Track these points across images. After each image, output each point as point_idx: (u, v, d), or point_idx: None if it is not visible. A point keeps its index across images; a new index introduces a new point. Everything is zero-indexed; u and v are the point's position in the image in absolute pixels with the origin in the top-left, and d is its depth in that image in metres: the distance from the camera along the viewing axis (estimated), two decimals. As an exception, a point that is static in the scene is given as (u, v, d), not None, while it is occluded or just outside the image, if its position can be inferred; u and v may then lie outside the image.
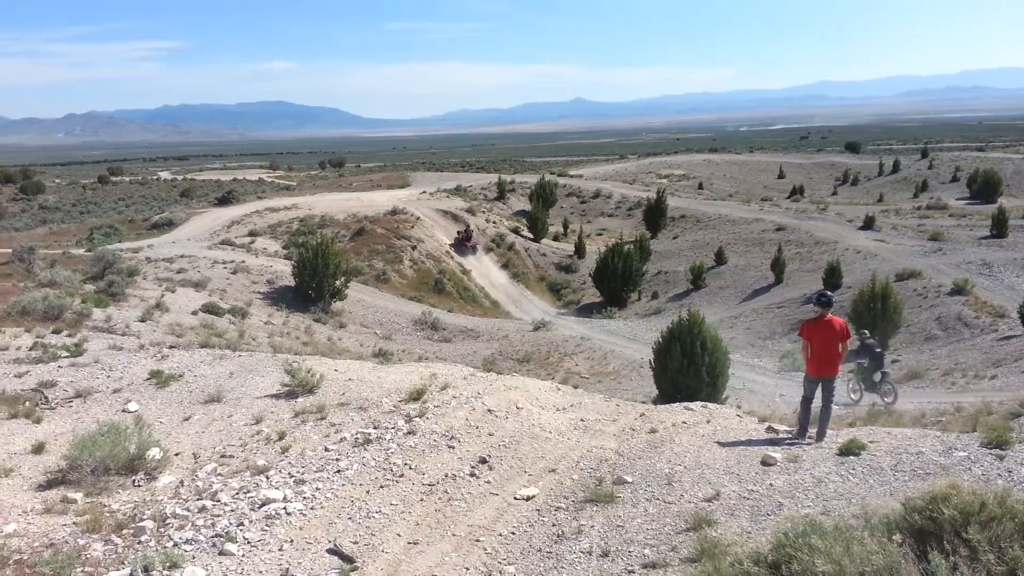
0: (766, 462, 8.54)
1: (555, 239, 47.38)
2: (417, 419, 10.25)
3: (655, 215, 46.98)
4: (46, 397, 11.62)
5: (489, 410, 10.64)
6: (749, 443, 9.35)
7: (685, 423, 10.32)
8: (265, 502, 7.91)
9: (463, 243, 41.84)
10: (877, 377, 18.05)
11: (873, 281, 23.60)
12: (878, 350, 18.65)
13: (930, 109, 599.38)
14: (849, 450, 8.62)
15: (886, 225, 39.89)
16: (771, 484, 7.91)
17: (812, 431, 9.48)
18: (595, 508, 7.82)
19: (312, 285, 27.21)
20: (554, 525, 7.63)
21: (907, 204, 54.95)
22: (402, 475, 8.72)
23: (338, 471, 8.75)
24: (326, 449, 9.46)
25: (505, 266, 42.29)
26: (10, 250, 27.02)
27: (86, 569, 6.73)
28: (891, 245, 34.33)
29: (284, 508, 7.78)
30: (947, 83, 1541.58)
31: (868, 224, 38.97)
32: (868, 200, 58.67)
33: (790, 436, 9.59)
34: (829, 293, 9.97)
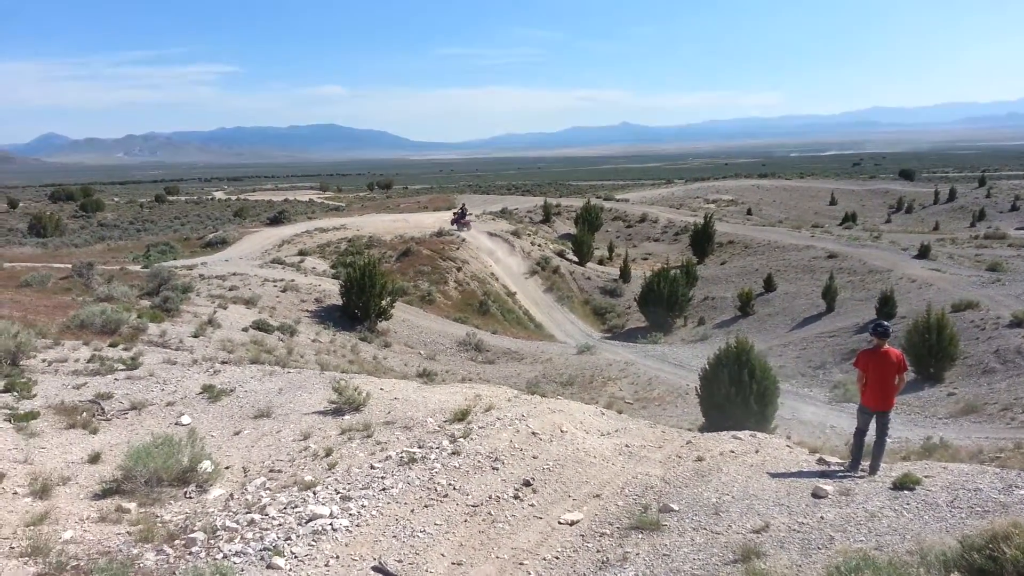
0: (817, 494, 8.35)
1: (600, 263, 47.25)
2: (461, 440, 10.28)
3: (702, 240, 46.56)
4: (103, 408, 11.93)
5: (533, 433, 10.62)
6: (799, 474, 9.16)
7: (733, 452, 10.15)
8: (312, 517, 8.00)
9: (459, 220, 47.61)
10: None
11: (928, 311, 22.99)
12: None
13: (988, 136, 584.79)
14: (903, 484, 8.39)
15: (942, 254, 38.91)
16: (822, 517, 7.73)
17: (865, 464, 9.25)
18: (640, 536, 7.72)
19: (359, 304, 27.55)
20: (598, 551, 7.56)
21: (964, 233, 53.53)
22: (446, 495, 8.74)
23: (383, 489, 8.81)
24: (372, 467, 9.54)
25: (550, 289, 42.31)
26: (70, 265, 27.94)
27: (138, 578, 6.87)
28: (947, 275, 33.44)
29: (330, 524, 7.86)
30: (1006, 110, 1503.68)
31: (923, 253, 38.05)
32: (923, 228, 57.35)
33: (842, 468, 9.37)
34: (886, 323, 9.76)
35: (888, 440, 9.74)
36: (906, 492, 8.23)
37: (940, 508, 7.68)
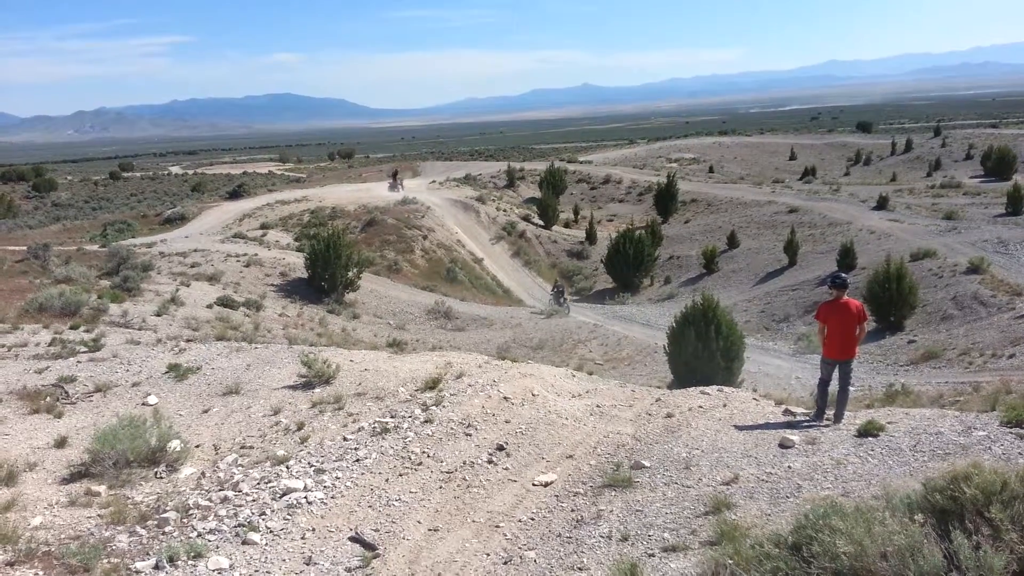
0: (784, 445, 8.53)
1: (566, 226, 47.30)
2: (434, 408, 10.30)
3: (666, 200, 46.76)
4: (66, 392, 11.73)
5: (505, 397, 10.68)
6: (766, 426, 9.35)
7: (701, 407, 10.32)
8: (286, 492, 7.99)
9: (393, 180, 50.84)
10: (560, 301, 31.60)
11: (888, 262, 23.45)
12: (560, 289, 33.40)
13: (942, 87, 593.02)
14: (867, 431, 8.60)
15: (900, 205, 39.58)
16: (789, 467, 7.90)
17: (830, 413, 9.47)
18: (613, 493, 7.85)
19: (325, 277, 27.30)
20: (573, 510, 7.67)
21: (921, 183, 54.41)
22: (420, 463, 8.77)
23: (357, 460, 8.82)
24: (344, 439, 9.53)
25: (516, 254, 42.30)
26: (25, 247, 27.24)
27: (112, 560, 6.82)
28: (905, 225, 34.07)
29: (305, 497, 7.86)
30: (958, 60, 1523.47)
31: (881, 204, 38.67)
32: (881, 180, 58.15)
33: (808, 419, 9.57)
34: (844, 275, 9.93)
35: (851, 388, 9.98)
36: (870, 439, 8.44)
37: (904, 453, 7.89)
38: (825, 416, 9.47)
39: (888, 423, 8.83)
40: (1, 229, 42.42)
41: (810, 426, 9.26)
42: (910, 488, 6.34)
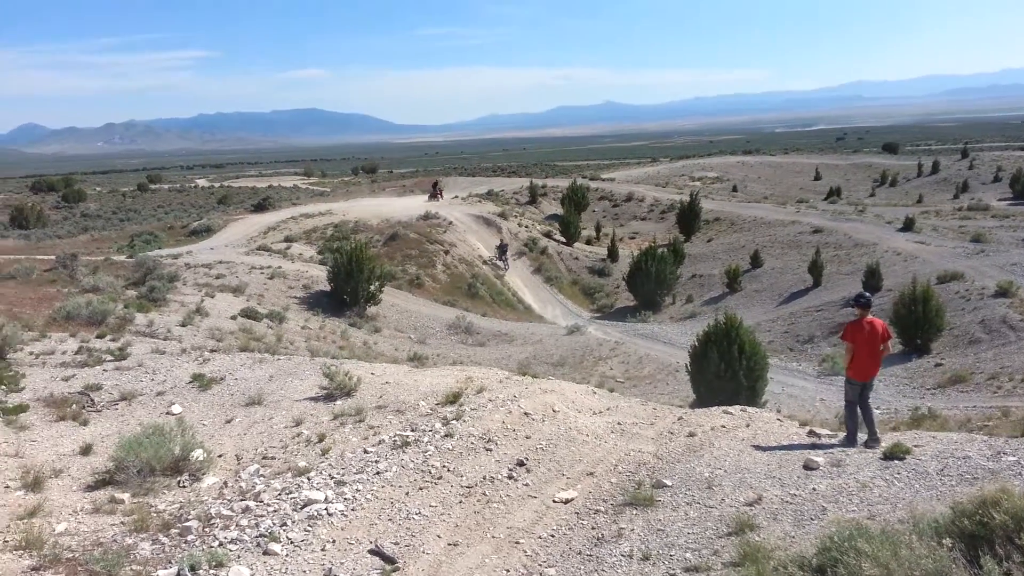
0: (808, 466, 8.43)
1: (588, 243, 47.25)
2: (454, 422, 10.30)
3: (689, 218, 46.58)
4: (92, 400, 11.87)
5: (525, 413, 10.65)
6: (790, 447, 9.24)
7: (724, 427, 10.23)
8: (307, 503, 8.01)
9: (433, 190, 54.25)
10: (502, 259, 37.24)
11: (914, 283, 23.17)
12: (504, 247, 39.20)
13: (970, 108, 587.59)
14: (893, 454, 8.49)
15: (926, 227, 39.14)
16: (814, 488, 7.81)
17: (862, 436, 9.38)
18: (634, 511, 7.79)
19: (347, 290, 27.46)
20: (593, 528, 7.61)
21: (947, 205, 53.83)
22: (440, 477, 8.76)
23: (377, 473, 8.83)
24: (365, 451, 9.55)
25: (538, 270, 42.29)
26: (54, 257, 27.66)
27: (135, 568, 6.87)
28: (932, 247, 33.68)
29: (326, 509, 7.87)
30: (987, 82, 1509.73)
31: (908, 226, 38.26)
32: (907, 201, 57.62)
33: (835, 441, 9.44)
34: (868, 294, 9.87)
35: (876, 412, 9.88)
36: (896, 462, 8.32)
37: (930, 476, 7.77)
38: (858, 440, 9.35)
39: (915, 446, 8.70)
40: (31, 239, 43.16)
41: (835, 448, 9.14)
42: (938, 512, 6.24)
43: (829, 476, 8.14)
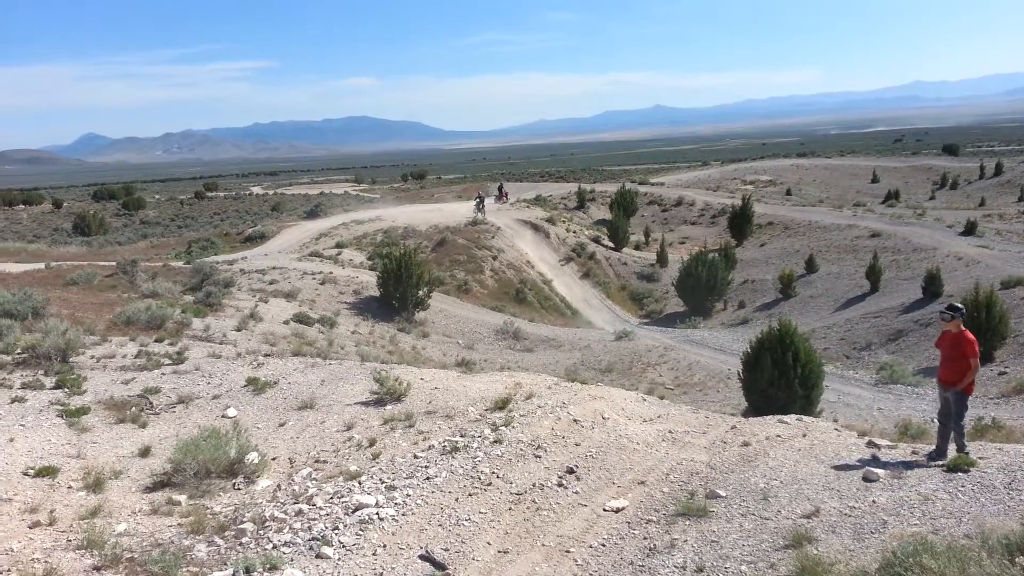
0: (868, 478, 8.18)
1: (636, 248, 46.87)
2: (503, 428, 10.27)
3: (741, 222, 45.84)
4: (151, 403, 12.17)
5: (575, 420, 10.58)
6: (849, 458, 8.98)
7: (779, 436, 9.99)
8: (358, 507, 8.07)
9: (499, 197, 57.18)
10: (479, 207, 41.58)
11: (976, 289, 22.37)
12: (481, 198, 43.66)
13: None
14: (957, 467, 8.19)
15: (989, 231, 37.84)
16: (874, 501, 7.57)
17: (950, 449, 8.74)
18: (687, 522, 7.65)
19: (396, 295, 27.70)
20: (645, 538, 7.50)
21: (1011, 208, 51.97)
22: (490, 484, 8.74)
23: (427, 478, 8.85)
24: (415, 456, 9.58)
25: (586, 275, 42.11)
26: (115, 263, 28.52)
27: (191, 569, 7.00)
28: (995, 251, 32.53)
29: (377, 513, 7.92)
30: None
31: (969, 230, 37.03)
32: (969, 204, 55.83)
33: (919, 456, 8.93)
34: (959, 305, 9.22)
35: (962, 424, 9.14)
36: (960, 474, 8.03)
37: (997, 490, 7.47)
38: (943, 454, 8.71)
39: (979, 459, 8.39)
40: (92, 245, 44.63)
41: (896, 460, 8.85)
42: (1007, 528, 5.99)
43: (889, 488, 7.88)
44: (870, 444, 9.56)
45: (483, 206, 48.68)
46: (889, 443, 9.68)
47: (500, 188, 60.45)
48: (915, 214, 46.27)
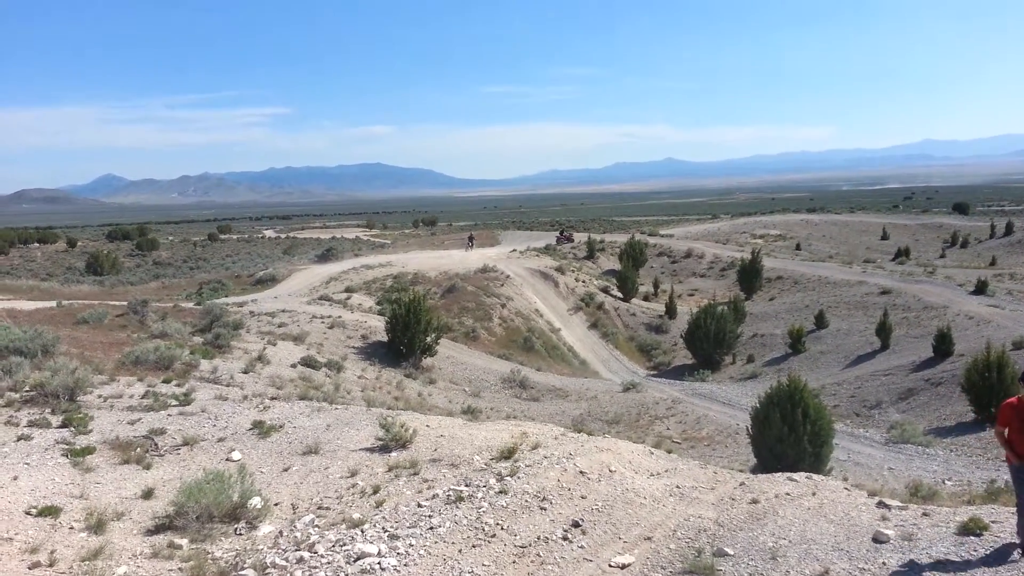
0: (878, 539, 8.05)
1: (645, 299, 46.85)
2: (508, 478, 10.18)
3: (750, 276, 45.87)
4: (156, 444, 12.13)
5: (581, 472, 10.47)
6: (859, 518, 8.85)
7: (789, 494, 9.86)
8: (360, 556, 7.97)
9: (562, 238, 64.05)
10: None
11: (987, 349, 22.19)
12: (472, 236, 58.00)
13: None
14: (969, 530, 8.06)
15: (1000, 290, 37.69)
16: (884, 563, 7.45)
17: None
18: (694, 580, 7.51)
19: (404, 341, 27.69)
20: (651, 596, 7.36)
21: (1022, 268, 51.88)
22: (494, 535, 8.63)
23: (431, 528, 8.75)
24: (419, 505, 9.49)
25: (594, 325, 42.04)
26: (126, 303, 28.71)
27: (189, 615, 6.90)
28: (1006, 311, 32.35)
29: (379, 563, 7.81)
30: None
31: (980, 289, 36.90)
32: (979, 264, 55.73)
33: (1014, 552, 7.49)
34: None
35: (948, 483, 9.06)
36: (972, 538, 7.89)
37: (1012, 555, 7.32)
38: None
39: (992, 522, 8.25)
40: (104, 284, 44.98)
41: (906, 521, 8.71)
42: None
43: (900, 550, 7.75)
44: (880, 504, 9.42)
45: (472, 245, 59.54)
46: (900, 504, 9.53)
47: (470, 237, 65.82)
48: (925, 272, 46.20)
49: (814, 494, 9.87)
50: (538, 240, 64.08)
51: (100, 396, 15.30)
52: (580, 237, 64.83)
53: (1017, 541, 7.54)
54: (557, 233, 67.81)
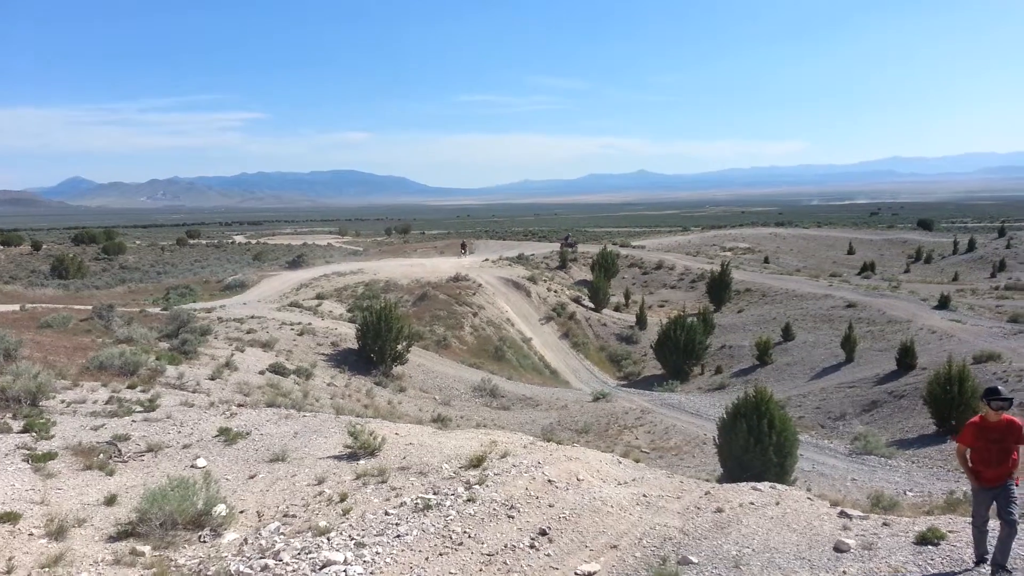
0: (839, 548, 8.19)
1: (616, 309, 47.14)
2: (477, 486, 10.19)
3: (719, 288, 46.39)
4: (119, 450, 11.96)
5: (549, 480, 10.52)
6: (821, 528, 8.99)
7: (753, 504, 9.99)
8: (326, 564, 7.93)
9: (565, 244, 64.20)
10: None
11: (949, 363, 22.67)
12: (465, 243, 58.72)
13: (1007, 187, 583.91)
14: (927, 539, 8.23)
15: (962, 305, 38.51)
16: (844, 572, 7.59)
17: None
18: (658, 588, 7.58)
19: (374, 348, 27.57)
20: (616, 604, 7.42)
21: (984, 284, 53.06)
22: (461, 543, 8.64)
23: (398, 536, 8.73)
24: (386, 513, 9.46)
25: (565, 335, 42.19)
26: (91, 307, 28.25)
27: (150, 623, 6.81)
28: (968, 326, 33.06)
29: (344, 571, 7.79)
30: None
31: (943, 303, 37.67)
32: (942, 279, 56.88)
33: (865, 520, 8.95)
34: (1001, 388, 7.55)
35: (911, 495, 9.29)
36: (930, 547, 8.06)
37: (967, 564, 7.50)
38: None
39: (949, 532, 8.43)
40: (69, 288, 44.21)
41: (867, 531, 8.87)
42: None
43: (860, 559, 7.89)
44: (842, 514, 9.59)
45: (466, 252, 60.36)
46: (861, 514, 9.70)
47: (463, 244, 68.11)
48: (890, 286, 47.04)
49: (778, 503, 10.02)
50: (511, 250, 64.20)
51: (63, 401, 15.04)
52: (553, 247, 65.10)
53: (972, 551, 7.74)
54: (561, 240, 68.83)
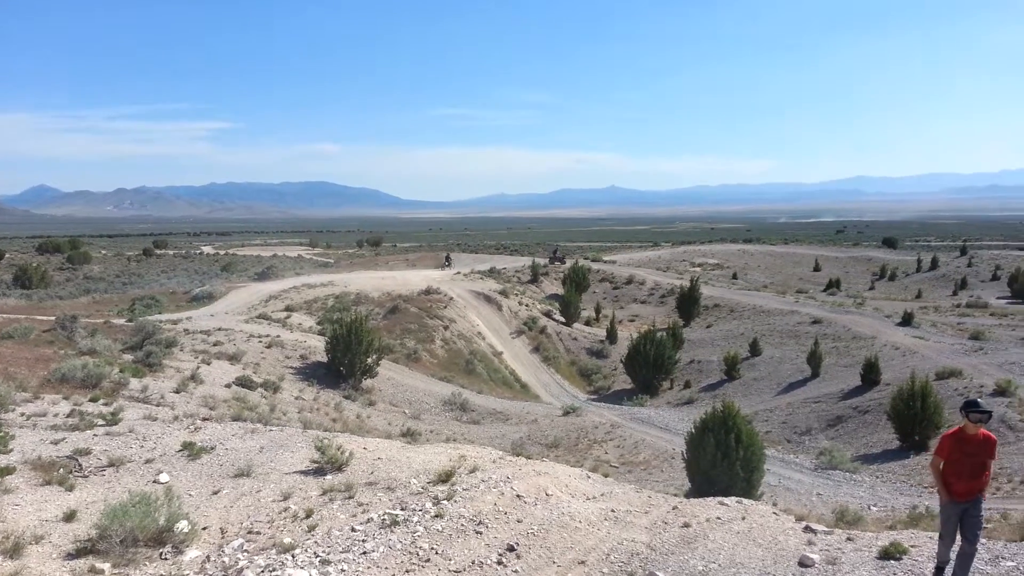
0: (803, 563, 8.27)
1: (587, 324, 47.33)
2: (445, 502, 10.13)
3: (688, 303, 46.82)
4: (80, 465, 11.71)
5: (518, 495, 10.50)
6: (786, 542, 9.08)
7: (719, 519, 10.06)
8: (290, 581, 7.82)
9: (553, 259, 65.17)
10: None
11: (912, 379, 23.09)
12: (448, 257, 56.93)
13: (970, 207, 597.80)
14: (890, 554, 8.35)
15: (925, 322, 39.26)
16: (809, 587, 7.64)
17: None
18: (625, 604, 7.59)
19: (344, 362, 27.37)
20: (582, 620, 7.41)
21: (946, 301, 54.15)
22: (428, 560, 8.57)
23: (364, 553, 8.64)
24: (353, 529, 9.36)
25: (536, 349, 42.24)
26: (54, 318, 27.70)
27: (108, 643, 6.66)
28: (930, 342, 33.71)
29: (309, 589, 7.68)
30: (987, 181, 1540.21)
31: (906, 320, 38.37)
32: (906, 296, 57.96)
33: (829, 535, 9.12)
34: (980, 401, 7.68)
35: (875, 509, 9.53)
36: (893, 562, 8.17)
37: (927, 579, 7.61)
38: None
39: (911, 547, 8.56)
40: (32, 299, 43.29)
41: (830, 546, 8.97)
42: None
43: (824, 574, 7.97)
44: (807, 529, 9.69)
45: (448, 264, 61.60)
46: (826, 529, 9.81)
47: (447, 257, 68.22)
48: (855, 303, 47.80)
49: (744, 518, 10.09)
50: (483, 263, 64.21)
51: (23, 414, 14.71)
52: (525, 261, 65.24)
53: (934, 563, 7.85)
54: (550, 253, 70.31)
